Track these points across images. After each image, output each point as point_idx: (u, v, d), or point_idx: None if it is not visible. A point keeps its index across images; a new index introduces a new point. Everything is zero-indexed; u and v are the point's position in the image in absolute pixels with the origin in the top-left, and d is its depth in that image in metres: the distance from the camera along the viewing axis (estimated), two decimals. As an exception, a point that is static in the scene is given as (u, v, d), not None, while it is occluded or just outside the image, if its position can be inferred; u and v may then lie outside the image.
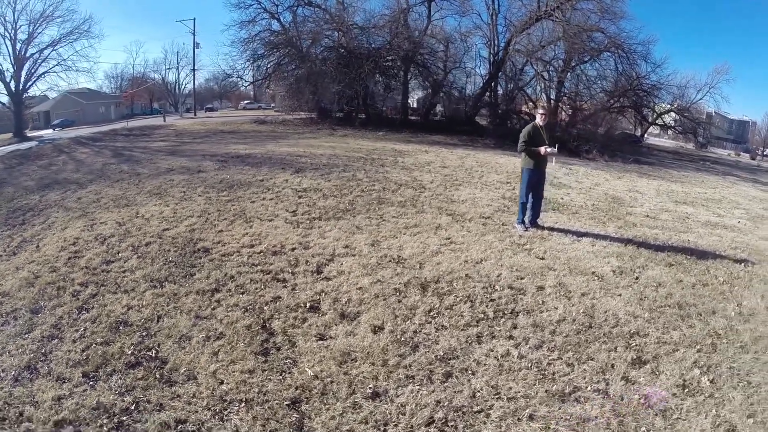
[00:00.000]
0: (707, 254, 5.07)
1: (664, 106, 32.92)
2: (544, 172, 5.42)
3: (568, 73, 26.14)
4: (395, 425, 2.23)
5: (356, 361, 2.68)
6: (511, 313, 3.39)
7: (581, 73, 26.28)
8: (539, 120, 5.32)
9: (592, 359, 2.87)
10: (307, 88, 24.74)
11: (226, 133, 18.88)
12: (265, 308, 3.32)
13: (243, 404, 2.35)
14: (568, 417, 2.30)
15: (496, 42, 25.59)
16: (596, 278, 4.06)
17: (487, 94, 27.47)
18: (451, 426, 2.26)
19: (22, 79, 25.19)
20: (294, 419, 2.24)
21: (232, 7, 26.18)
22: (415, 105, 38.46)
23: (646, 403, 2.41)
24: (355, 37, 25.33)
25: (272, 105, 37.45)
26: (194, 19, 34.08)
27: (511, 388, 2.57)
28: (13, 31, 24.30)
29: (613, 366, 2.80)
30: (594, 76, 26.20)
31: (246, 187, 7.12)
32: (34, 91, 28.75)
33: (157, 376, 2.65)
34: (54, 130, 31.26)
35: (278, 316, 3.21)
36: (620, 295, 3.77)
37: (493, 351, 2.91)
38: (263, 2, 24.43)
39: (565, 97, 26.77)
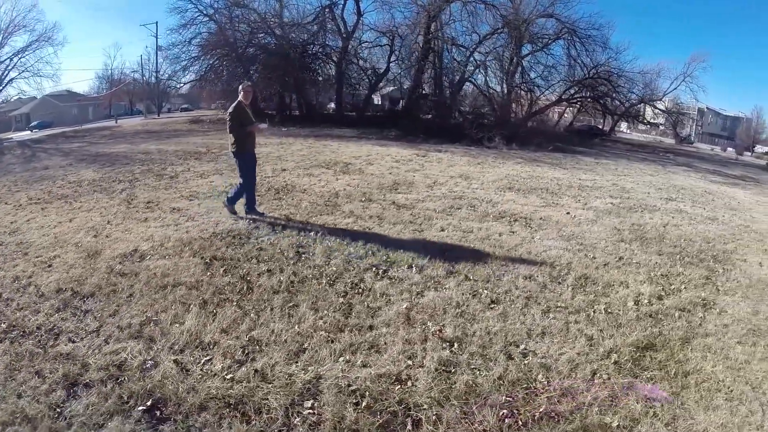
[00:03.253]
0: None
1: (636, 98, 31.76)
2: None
3: (517, 63, 26.12)
4: None
5: None
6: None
7: (531, 63, 26.44)
8: (242, 97, 5.51)
9: None
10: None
11: (148, 132, 21.58)
12: None
13: None
14: None
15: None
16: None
17: (428, 87, 28.04)
18: None
19: (-7, 86, 28.64)
20: None
21: (170, 11, 28.62)
22: (379, 101, 39.52)
23: None
24: (287, 34, 27.23)
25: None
26: (156, 23, 36.87)
27: None
28: (-17, 43, 27.65)
29: None
30: (545, 65, 26.31)
31: (45, 181, 9.65)
32: (4, 95, 32.29)
33: None
34: (32, 131, 34.79)
35: None
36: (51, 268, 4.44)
37: None
38: (199, 5, 26.62)
39: (518, 89, 26.61)
